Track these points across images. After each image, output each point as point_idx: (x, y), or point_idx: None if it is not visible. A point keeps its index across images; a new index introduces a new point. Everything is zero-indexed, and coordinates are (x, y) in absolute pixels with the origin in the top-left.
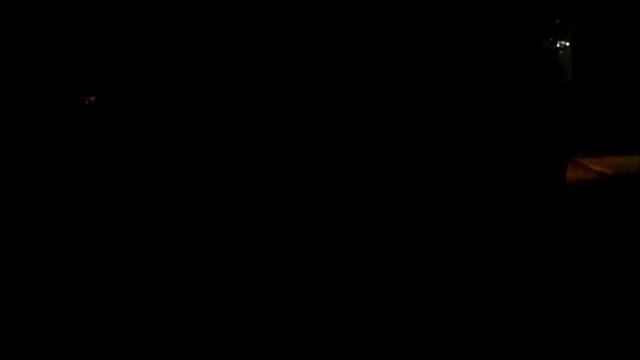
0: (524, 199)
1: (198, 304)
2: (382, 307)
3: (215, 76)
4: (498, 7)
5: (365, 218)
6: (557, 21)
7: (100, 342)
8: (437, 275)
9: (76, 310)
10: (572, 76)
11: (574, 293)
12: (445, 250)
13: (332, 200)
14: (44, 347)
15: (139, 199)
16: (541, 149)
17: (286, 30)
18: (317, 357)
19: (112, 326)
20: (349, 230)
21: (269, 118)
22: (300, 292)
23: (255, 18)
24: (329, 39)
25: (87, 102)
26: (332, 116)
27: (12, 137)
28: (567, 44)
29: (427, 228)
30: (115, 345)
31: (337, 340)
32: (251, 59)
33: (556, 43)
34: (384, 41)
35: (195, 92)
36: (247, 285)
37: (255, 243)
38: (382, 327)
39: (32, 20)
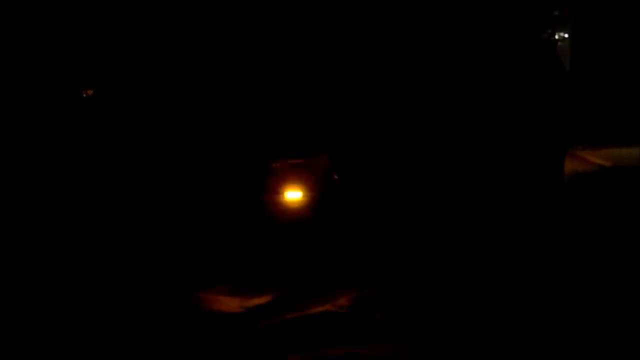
0: (522, 190)
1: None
2: (383, 299)
3: (215, 75)
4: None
5: (364, 211)
6: (556, 13)
7: (104, 339)
8: (437, 267)
9: (79, 307)
10: (571, 68)
11: (573, 283)
12: (444, 241)
13: (332, 194)
14: (48, 344)
15: (139, 196)
16: (539, 141)
17: (291, 31)
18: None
19: (117, 323)
20: (349, 223)
21: (269, 116)
22: (301, 287)
23: (255, 19)
24: (332, 33)
25: (84, 95)
26: (333, 113)
27: (11, 134)
28: (566, 35)
29: (426, 220)
30: (120, 342)
31: (335, 335)
32: (248, 59)
33: (555, 35)
34: (382, 40)
35: (195, 91)
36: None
37: (254, 241)
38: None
39: (33, 19)
